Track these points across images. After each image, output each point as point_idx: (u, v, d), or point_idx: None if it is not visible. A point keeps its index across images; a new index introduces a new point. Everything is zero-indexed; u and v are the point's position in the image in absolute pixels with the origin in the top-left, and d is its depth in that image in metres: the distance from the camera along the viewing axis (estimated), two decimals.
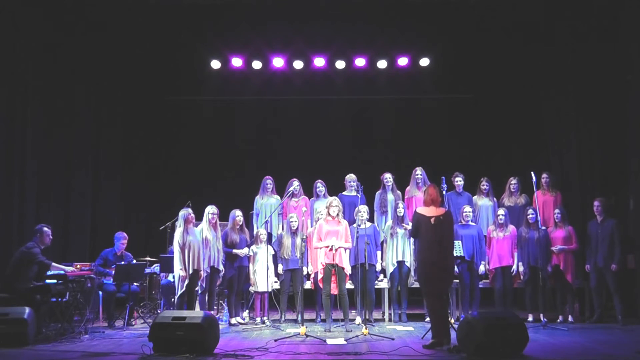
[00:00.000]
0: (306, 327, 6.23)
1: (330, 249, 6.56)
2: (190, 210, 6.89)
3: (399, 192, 7.92)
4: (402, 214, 7.34)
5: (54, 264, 6.59)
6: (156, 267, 7.91)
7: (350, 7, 8.50)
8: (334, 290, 6.69)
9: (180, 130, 10.32)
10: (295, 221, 7.35)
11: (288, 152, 10.01)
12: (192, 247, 6.67)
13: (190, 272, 6.65)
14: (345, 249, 6.71)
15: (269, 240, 7.55)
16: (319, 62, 9.36)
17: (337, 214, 6.75)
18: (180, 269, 6.62)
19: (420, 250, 5.61)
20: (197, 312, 5.70)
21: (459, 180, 7.83)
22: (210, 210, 7.03)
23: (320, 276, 6.75)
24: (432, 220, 5.55)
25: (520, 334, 5.09)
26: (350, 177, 7.86)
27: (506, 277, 7.28)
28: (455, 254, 6.62)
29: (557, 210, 7.37)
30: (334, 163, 9.34)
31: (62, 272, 6.58)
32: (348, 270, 6.72)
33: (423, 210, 5.68)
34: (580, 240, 7.33)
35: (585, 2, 8.00)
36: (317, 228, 6.81)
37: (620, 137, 7.65)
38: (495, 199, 7.88)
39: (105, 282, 7.24)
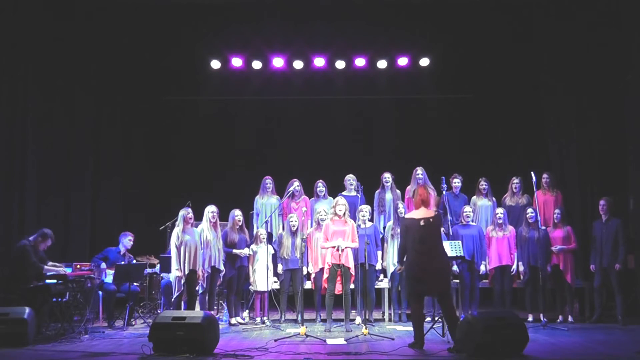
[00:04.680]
0: (306, 327, 6.23)
1: (337, 250, 6.57)
2: (189, 210, 6.89)
3: (398, 191, 7.91)
4: (402, 214, 7.33)
5: (46, 267, 6.55)
6: (157, 268, 7.90)
7: (350, 7, 8.51)
8: (339, 290, 6.70)
9: (180, 130, 10.30)
10: (295, 221, 7.36)
11: (288, 152, 10.00)
12: (188, 247, 6.67)
13: (186, 272, 6.65)
14: (352, 249, 6.71)
15: (269, 240, 7.55)
16: (319, 62, 9.35)
17: (344, 213, 6.75)
18: (177, 269, 6.63)
19: (409, 251, 5.56)
20: (197, 312, 5.70)
21: (456, 182, 7.82)
22: (211, 209, 7.03)
23: (325, 276, 6.75)
24: (422, 222, 5.49)
25: (520, 334, 5.09)
26: (350, 177, 7.86)
27: (505, 277, 7.28)
28: (455, 254, 6.62)
29: (557, 210, 7.37)
30: (334, 163, 9.33)
31: (53, 272, 6.55)
32: (354, 270, 6.72)
33: (412, 214, 5.65)
34: (579, 240, 7.33)
35: (586, 3, 8.01)
36: (324, 228, 6.81)
37: (621, 137, 7.65)
38: (494, 198, 7.88)
39: (105, 282, 7.24)
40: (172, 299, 6.76)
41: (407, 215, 5.73)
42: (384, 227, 7.62)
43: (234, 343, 5.83)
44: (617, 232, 7.02)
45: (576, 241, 7.27)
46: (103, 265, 7.28)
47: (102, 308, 7.31)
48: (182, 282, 6.63)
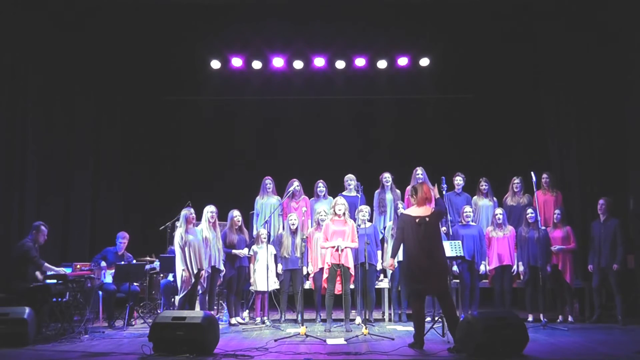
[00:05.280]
0: (306, 327, 6.23)
1: (337, 250, 6.56)
2: (192, 210, 6.89)
3: (398, 191, 7.91)
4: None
5: (46, 264, 6.56)
6: (156, 263, 7.90)
7: (350, 7, 8.50)
8: (338, 290, 6.70)
9: (180, 131, 10.31)
10: (295, 221, 7.36)
11: (288, 152, 10.00)
12: (193, 247, 6.67)
13: (194, 271, 6.64)
14: (352, 249, 6.71)
15: (269, 240, 7.54)
16: (319, 62, 9.35)
17: (344, 213, 6.75)
18: (183, 270, 6.61)
19: (405, 251, 5.57)
20: (197, 312, 5.70)
21: (458, 180, 7.84)
22: (210, 209, 7.03)
23: (325, 276, 6.76)
24: (417, 220, 5.49)
25: (520, 334, 5.09)
26: (349, 177, 7.86)
27: (506, 277, 7.28)
28: (455, 254, 6.62)
29: (557, 211, 7.38)
30: (334, 163, 9.34)
31: (53, 272, 6.56)
32: (353, 270, 6.72)
33: (409, 211, 5.65)
34: (579, 240, 7.33)
35: (586, 2, 8.01)
36: (324, 228, 6.81)
37: (621, 137, 7.66)
38: (495, 198, 7.88)
39: (105, 282, 7.24)
40: (178, 299, 6.76)
41: (405, 211, 5.74)
42: (384, 228, 7.62)
43: (234, 343, 5.83)
44: (616, 232, 7.02)
45: (576, 241, 7.27)
46: (103, 263, 7.28)
47: (102, 308, 7.32)
48: (192, 281, 6.62)
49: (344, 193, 7.76)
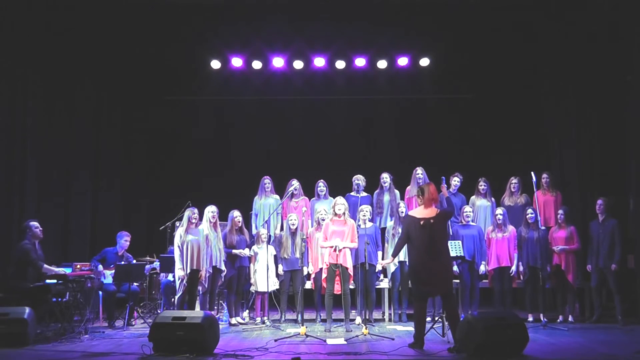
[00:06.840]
0: (306, 327, 6.23)
1: (335, 250, 6.56)
2: (195, 210, 6.93)
3: (397, 191, 7.89)
4: (404, 215, 7.31)
5: (46, 266, 6.56)
6: (156, 264, 7.90)
7: (350, 7, 8.50)
8: (337, 290, 6.70)
9: (180, 130, 10.30)
10: (295, 221, 7.35)
11: (288, 153, 10.00)
12: (191, 247, 6.68)
13: (188, 271, 6.67)
14: (351, 249, 6.71)
15: (269, 240, 7.54)
16: (319, 62, 9.34)
17: (344, 213, 6.74)
18: (179, 268, 6.66)
19: (410, 252, 5.58)
20: (197, 312, 5.71)
21: (455, 181, 7.81)
22: (210, 209, 7.05)
23: (324, 276, 6.76)
24: (422, 222, 5.48)
25: (520, 334, 5.10)
26: (355, 178, 7.84)
27: (505, 277, 7.28)
28: (455, 254, 6.62)
29: (560, 210, 7.35)
30: (334, 163, 9.35)
31: (54, 272, 6.56)
32: (352, 270, 6.71)
33: (414, 212, 5.65)
34: (581, 240, 7.33)
35: (585, 2, 8.01)
36: (324, 227, 6.81)
37: (620, 137, 7.66)
38: (493, 199, 7.87)
39: (105, 282, 7.23)
40: (176, 299, 6.77)
41: (410, 213, 5.74)
42: (382, 229, 7.60)
43: (234, 343, 5.83)
44: (614, 232, 7.01)
45: (579, 242, 7.26)
46: (100, 267, 7.26)
47: (102, 308, 7.32)
48: (185, 281, 6.65)
49: (351, 194, 7.73)
